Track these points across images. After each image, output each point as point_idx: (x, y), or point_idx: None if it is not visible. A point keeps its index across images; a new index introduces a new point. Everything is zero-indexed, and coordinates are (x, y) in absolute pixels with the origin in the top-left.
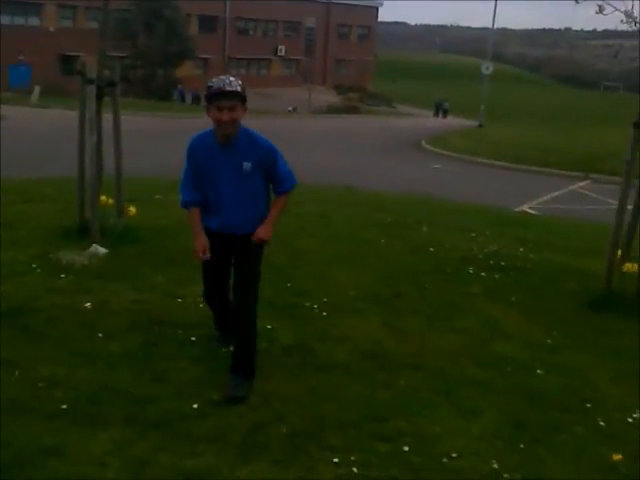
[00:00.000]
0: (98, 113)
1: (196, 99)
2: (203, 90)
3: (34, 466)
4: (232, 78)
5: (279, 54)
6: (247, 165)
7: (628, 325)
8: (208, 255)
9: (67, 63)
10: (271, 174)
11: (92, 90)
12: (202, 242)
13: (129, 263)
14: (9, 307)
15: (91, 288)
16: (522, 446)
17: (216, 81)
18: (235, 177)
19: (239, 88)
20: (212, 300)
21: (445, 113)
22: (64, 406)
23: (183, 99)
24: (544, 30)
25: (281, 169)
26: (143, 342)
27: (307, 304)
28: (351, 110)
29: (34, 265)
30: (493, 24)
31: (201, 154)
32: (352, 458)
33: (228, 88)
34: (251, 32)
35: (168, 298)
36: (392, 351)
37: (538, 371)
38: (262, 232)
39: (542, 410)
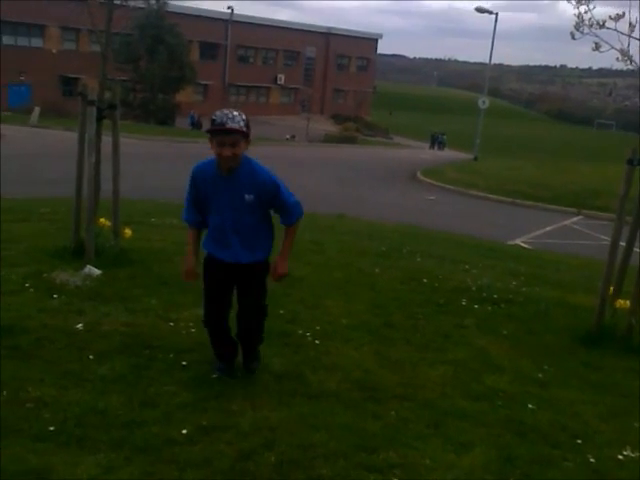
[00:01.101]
0: (98, 135)
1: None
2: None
3: None
4: (235, 112)
5: (278, 82)
6: (249, 197)
7: (619, 361)
8: (194, 278)
9: (68, 85)
10: (275, 206)
11: (92, 112)
12: (189, 264)
13: (123, 285)
14: None
15: (83, 309)
16: None
17: (219, 115)
18: (238, 207)
19: (242, 124)
20: (211, 326)
21: (442, 146)
22: (52, 428)
23: (193, 124)
24: (540, 67)
25: (286, 201)
26: (133, 365)
27: (299, 332)
28: (348, 140)
29: (27, 284)
30: (490, 60)
31: (203, 183)
32: None
33: (230, 125)
34: (251, 60)
35: (160, 321)
36: (383, 381)
37: (529, 405)
38: (280, 268)
39: (532, 445)
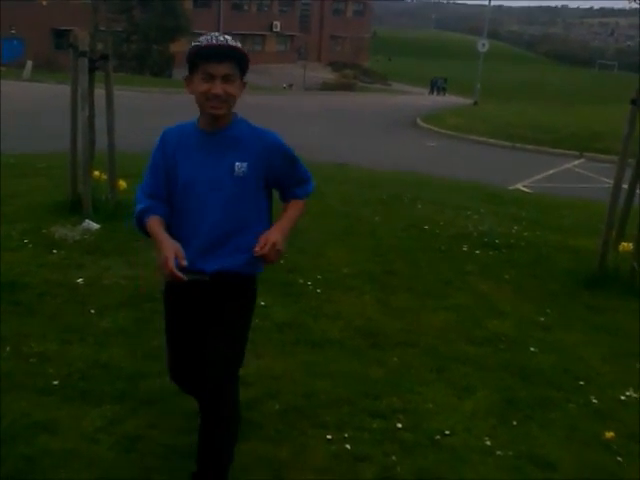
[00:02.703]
0: (90, 87)
1: None
2: None
3: (25, 441)
4: (228, 36)
5: (274, 30)
6: (241, 166)
7: (621, 303)
8: (184, 262)
9: (60, 37)
10: (288, 175)
11: (84, 63)
12: (172, 247)
13: (122, 239)
14: (0, 283)
15: (83, 264)
16: (514, 423)
17: (204, 37)
18: (222, 183)
19: (239, 45)
20: (182, 380)
21: (442, 91)
22: (55, 382)
23: None
24: (540, 8)
25: (300, 170)
26: (136, 318)
27: (300, 281)
28: (346, 87)
29: (26, 240)
30: (489, 1)
31: (174, 148)
32: (345, 435)
33: (223, 42)
34: (246, 7)
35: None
36: (385, 328)
37: (531, 349)
38: (274, 235)
39: (535, 387)
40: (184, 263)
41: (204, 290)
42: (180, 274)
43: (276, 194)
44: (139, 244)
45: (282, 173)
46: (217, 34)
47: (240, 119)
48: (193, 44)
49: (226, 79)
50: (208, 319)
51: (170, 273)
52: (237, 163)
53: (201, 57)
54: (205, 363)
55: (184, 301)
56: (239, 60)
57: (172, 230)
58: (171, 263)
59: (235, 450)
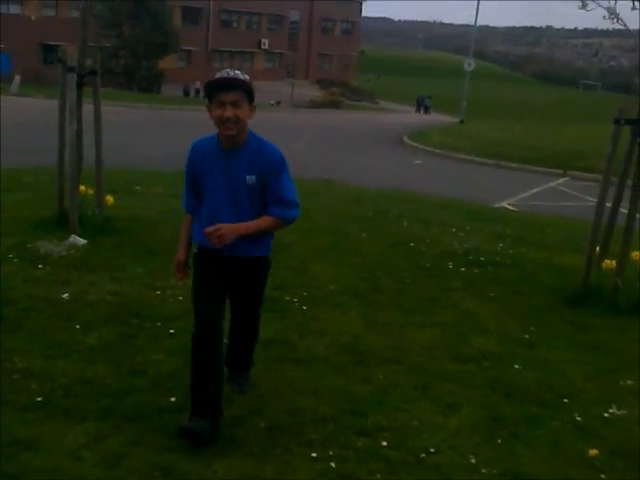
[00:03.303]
0: (79, 102)
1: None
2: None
3: (7, 458)
4: (237, 71)
5: (262, 47)
6: (251, 179)
7: (605, 321)
8: (184, 276)
9: (48, 52)
10: (270, 190)
11: (72, 78)
12: (179, 257)
13: (108, 254)
14: None
15: (69, 279)
16: (499, 441)
17: (219, 73)
18: (237, 190)
19: (246, 78)
20: (203, 335)
21: (427, 109)
22: (39, 398)
23: (187, 94)
24: (525, 28)
25: (285, 189)
26: (121, 334)
27: (287, 298)
28: (333, 105)
29: (11, 255)
30: (475, 21)
31: (201, 161)
32: (330, 453)
33: (231, 75)
34: (235, 25)
35: (147, 290)
36: (371, 345)
37: (515, 366)
38: (227, 227)
39: (519, 405)
40: (183, 275)
41: (228, 263)
42: (182, 274)
43: None
44: (125, 260)
45: (268, 187)
46: (229, 70)
47: (251, 137)
48: (207, 81)
49: (235, 105)
50: (229, 284)
51: (175, 273)
52: (247, 176)
53: (214, 88)
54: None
55: (210, 265)
56: (245, 89)
57: (201, 220)
58: (175, 274)
59: (218, 466)
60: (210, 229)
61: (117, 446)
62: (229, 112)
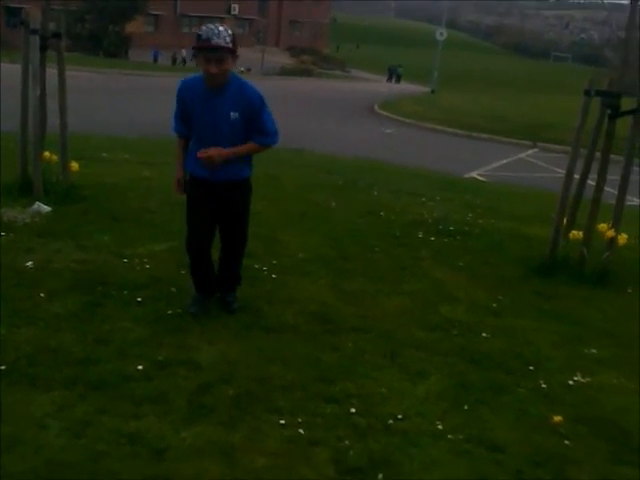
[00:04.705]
0: (42, 66)
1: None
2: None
3: None
4: (221, 28)
5: (232, 13)
6: (234, 115)
7: (571, 290)
8: (182, 192)
9: (11, 15)
10: (253, 123)
11: (35, 41)
12: (178, 176)
13: (73, 222)
14: None
15: (33, 247)
16: (466, 407)
17: (205, 30)
18: (221, 124)
19: (228, 40)
20: (194, 251)
21: (399, 78)
22: (3, 367)
23: (156, 59)
24: None
25: (264, 121)
26: (86, 303)
27: (256, 266)
28: (304, 73)
29: None
30: None
31: (189, 99)
32: (298, 420)
33: (215, 42)
34: None
35: (113, 258)
36: (340, 313)
37: (483, 334)
38: (213, 151)
39: (486, 372)
40: (181, 192)
41: (214, 187)
42: (181, 190)
43: None
44: (91, 227)
45: (250, 120)
46: (213, 27)
47: (233, 78)
48: (197, 33)
49: (219, 61)
50: (217, 205)
51: (176, 190)
52: (232, 113)
53: (200, 49)
54: (213, 232)
55: (199, 191)
56: (228, 50)
57: (192, 149)
58: (175, 191)
59: (186, 434)
60: (201, 153)
61: (83, 414)
62: (214, 69)
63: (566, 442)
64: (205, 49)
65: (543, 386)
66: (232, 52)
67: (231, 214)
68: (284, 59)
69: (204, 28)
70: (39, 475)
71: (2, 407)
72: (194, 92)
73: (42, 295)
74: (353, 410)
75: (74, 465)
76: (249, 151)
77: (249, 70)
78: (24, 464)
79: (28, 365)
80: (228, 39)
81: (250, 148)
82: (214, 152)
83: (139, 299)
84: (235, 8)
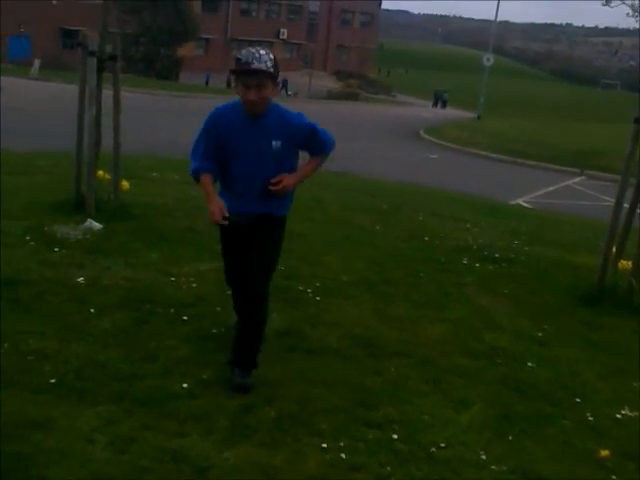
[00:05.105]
0: (98, 86)
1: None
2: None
3: (20, 438)
4: (263, 51)
5: (281, 37)
6: (276, 144)
7: (618, 321)
8: (226, 217)
9: (68, 37)
10: (311, 145)
11: (93, 63)
12: (218, 203)
13: (123, 239)
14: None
15: (84, 263)
16: (510, 438)
17: (245, 54)
18: (263, 155)
19: (269, 64)
20: (234, 280)
21: (444, 104)
22: (52, 380)
23: (207, 82)
24: (545, 25)
25: (321, 137)
26: (134, 319)
27: (299, 288)
28: (350, 97)
29: (28, 237)
30: (496, 16)
31: (223, 128)
32: (340, 444)
33: (255, 66)
34: (254, 14)
35: (161, 276)
36: (383, 338)
37: (528, 363)
38: (287, 179)
39: (531, 402)
40: (226, 215)
41: (253, 220)
42: (223, 222)
43: None
44: (139, 245)
45: (306, 143)
46: (254, 50)
47: (273, 106)
48: (236, 57)
49: (259, 87)
50: (252, 241)
51: (215, 222)
52: (273, 142)
53: (237, 73)
54: (250, 268)
55: (234, 227)
56: (269, 74)
57: (226, 185)
58: (216, 216)
59: (229, 454)
60: (277, 185)
61: (128, 430)
62: (253, 95)
63: (613, 477)
64: (244, 73)
65: (590, 419)
66: (273, 78)
67: (261, 248)
68: (331, 83)
69: (244, 51)
70: None
71: (51, 420)
72: (230, 121)
73: (92, 311)
74: (395, 436)
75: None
76: (314, 168)
77: (296, 94)
78: (71, 477)
79: (76, 379)
80: (269, 63)
81: (314, 165)
82: (287, 180)
83: (185, 317)
84: (284, 33)
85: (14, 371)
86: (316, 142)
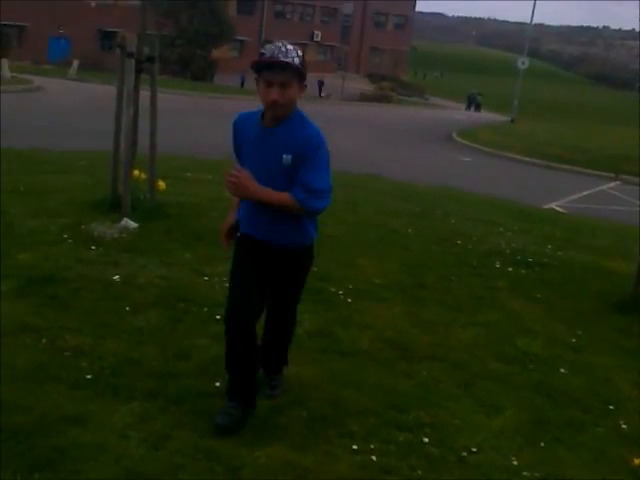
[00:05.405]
0: (136, 87)
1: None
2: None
3: (56, 433)
4: (290, 46)
5: (315, 39)
6: (287, 158)
7: None
8: (228, 241)
9: (106, 39)
10: (300, 171)
11: (131, 64)
12: (228, 221)
13: (158, 239)
14: (38, 275)
15: (120, 261)
16: (542, 444)
17: (269, 48)
18: (273, 170)
19: (296, 60)
20: (232, 324)
21: (478, 107)
22: (89, 376)
23: (243, 84)
24: (581, 28)
25: (311, 174)
26: (168, 318)
27: (332, 289)
28: (383, 99)
29: (65, 235)
30: (531, 19)
31: (241, 135)
32: (371, 446)
33: (281, 58)
34: (288, 16)
35: (195, 275)
36: (414, 341)
37: (561, 370)
38: (250, 182)
39: (563, 409)
40: (226, 242)
41: (264, 250)
42: (226, 244)
43: None
44: (174, 244)
45: (299, 167)
46: (280, 44)
47: (295, 116)
48: (260, 52)
49: (283, 86)
50: (267, 271)
51: (221, 240)
52: (284, 155)
53: (261, 67)
54: (258, 304)
55: (247, 251)
56: (295, 70)
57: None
58: (220, 236)
59: (260, 453)
60: (230, 175)
61: (162, 427)
62: (276, 94)
63: None
64: (268, 67)
65: (623, 426)
66: (300, 76)
67: (281, 288)
68: (364, 85)
69: (269, 45)
70: None
71: (87, 415)
72: (247, 128)
73: (127, 308)
74: (426, 440)
75: (152, 476)
76: (283, 205)
77: (329, 96)
78: (106, 472)
79: (111, 376)
80: (297, 60)
81: (286, 202)
82: (245, 181)
83: (218, 316)
84: (318, 35)
85: (51, 366)
86: (307, 169)
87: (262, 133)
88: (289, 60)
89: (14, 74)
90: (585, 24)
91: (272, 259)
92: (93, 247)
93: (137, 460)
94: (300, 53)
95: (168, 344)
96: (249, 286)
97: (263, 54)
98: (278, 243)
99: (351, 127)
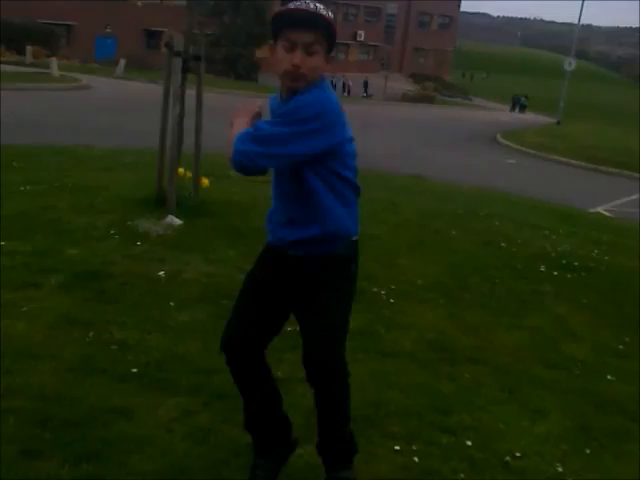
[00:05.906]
0: (182, 86)
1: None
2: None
3: (103, 425)
4: (320, 5)
5: (358, 39)
6: None
7: None
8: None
9: (152, 38)
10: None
11: (178, 63)
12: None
13: (202, 236)
14: (85, 270)
15: (165, 258)
16: (588, 451)
17: (296, 2)
18: None
19: (330, 15)
20: (227, 349)
21: (522, 108)
22: (134, 370)
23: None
24: (630, 29)
25: (276, 124)
26: (212, 314)
27: (374, 289)
28: (426, 100)
29: (112, 231)
30: (579, 20)
31: (272, 113)
32: (414, 447)
33: (311, 8)
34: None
35: (238, 272)
36: (457, 344)
37: (608, 376)
38: (242, 110)
39: (610, 416)
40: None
41: (280, 262)
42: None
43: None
44: (218, 242)
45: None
46: (309, 0)
47: (315, 86)
48: (279, 10)
49: (309, 49)
50: (288, 293)
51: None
52: None
53: (284, 22)
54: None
55: (260, 264)
56: (325, 30)
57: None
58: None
59: (301, 452)
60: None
61: (206, 422)
62: (298, 59)
63: None
64: (294, 23)
65: None
66: (329, 41)
67: (312, 318)
68: (407, 85)
69: (294, 1)
70: (165, 477)
71: (133, 408)
72: (274, 104)
73: (172, 304)
74: (469, 443)
75: (196, 471)
76: (232, 139)
77: (371, 96)
78: (151, 465)
79: (157, 370)
80: (330, 16)
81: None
82: (240, 111)
83: None
84: (361, 35)
85: (98, 359)
86: (260, 123)
87: (277, 106)
88: (323, 12)
89: (63, 73)
90: (635, 25)
91: (299, 275)
92: (139, 243)
93: (181, 455)
94: (332, 15)
95: (212, 340)
96: (254, 307)
97: (284, 7)
98: (307, 252)
99: (393, 127)
